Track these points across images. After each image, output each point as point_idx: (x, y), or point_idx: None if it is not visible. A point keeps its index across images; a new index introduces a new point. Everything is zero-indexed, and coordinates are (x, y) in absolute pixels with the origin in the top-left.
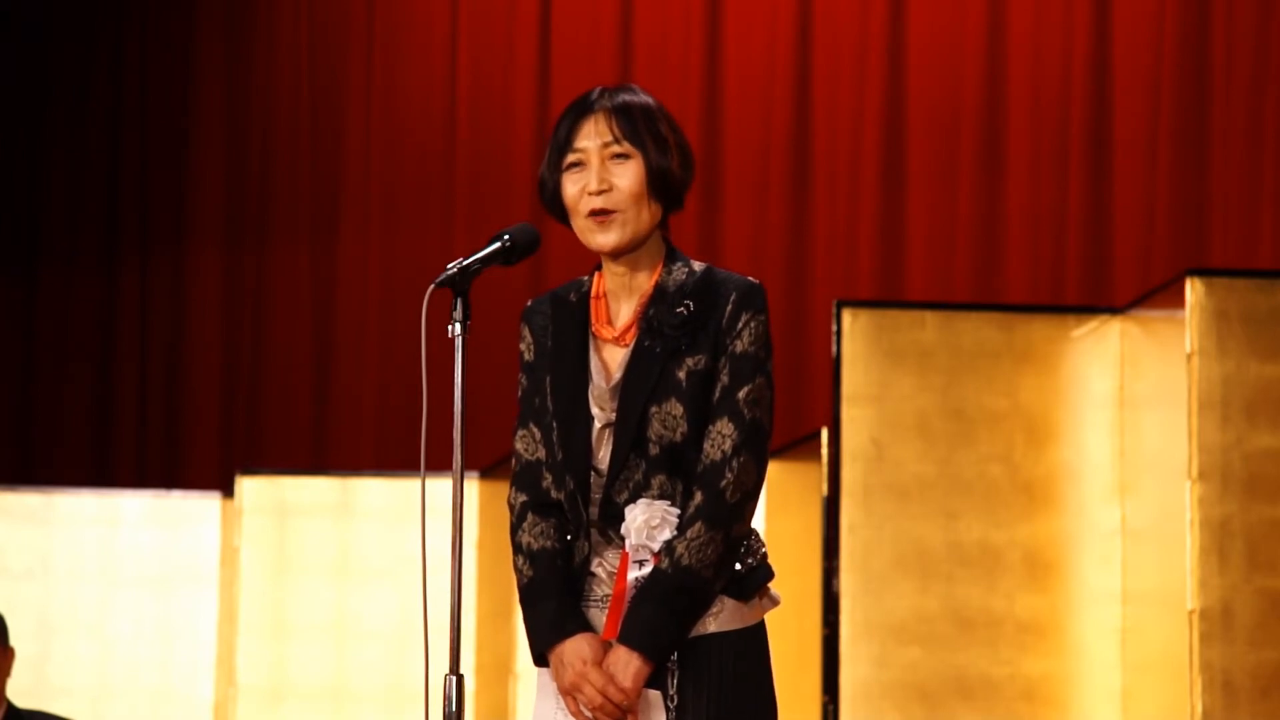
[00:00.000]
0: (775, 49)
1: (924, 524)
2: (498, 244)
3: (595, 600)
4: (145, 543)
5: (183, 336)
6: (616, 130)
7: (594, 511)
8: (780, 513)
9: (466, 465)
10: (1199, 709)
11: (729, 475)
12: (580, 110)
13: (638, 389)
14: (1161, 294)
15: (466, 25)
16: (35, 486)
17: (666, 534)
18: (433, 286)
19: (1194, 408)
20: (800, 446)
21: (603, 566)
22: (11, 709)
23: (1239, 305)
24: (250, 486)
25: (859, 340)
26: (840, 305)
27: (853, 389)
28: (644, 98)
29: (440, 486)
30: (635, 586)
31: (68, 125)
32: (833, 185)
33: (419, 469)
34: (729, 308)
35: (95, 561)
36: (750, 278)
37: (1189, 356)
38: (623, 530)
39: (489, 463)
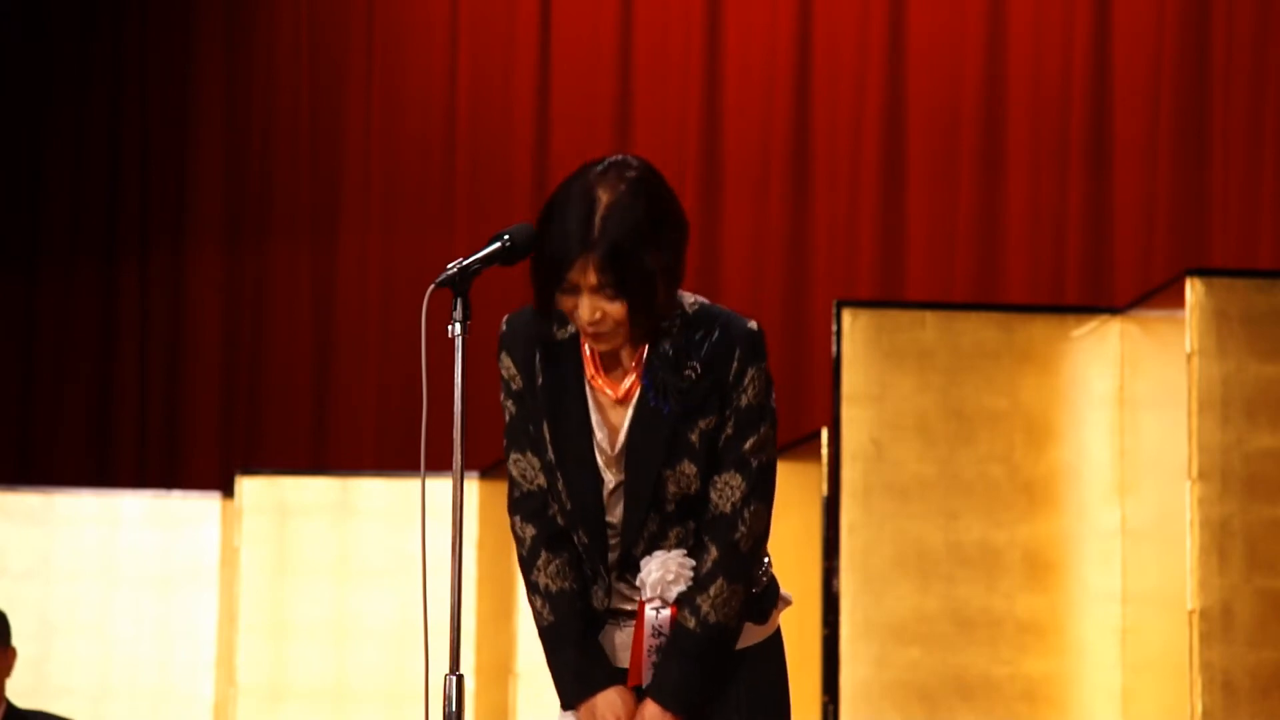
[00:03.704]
0: (775, 49)
1: (924, 524)
2: (497, 244)
3: (619, 624)
4: (145, 543)
5: (183, 336)
6: (606, 278)
7: (611, 559)
8: (780, 513)
9: (466, 465)
10: (1199, 709)
11: (741, 528)
12: (571, 241)
13: (650, 455)
14: (1161, 294)
15: (466, 25)
16: (35, 486)
17: (682, 587)
18: (433, 286)
19: (1194, 408)
20: (800, 446)
21: (622, 604)
22: (11, 709)
23: (1239, 305)
24: (250, 486)
25: (859, 340)
26: (840, 305)
27: (853, 389)
28: (635, 216)
29: (440, 486)
30: (655, 634)
31: (68, 125)
32: (833, 185)
33: (419, 469)
34: (735, 364)
35: (95, 561)
36: (749, 321)
37: (1189, 356)
38: (638, 582)
39: (489, 463)
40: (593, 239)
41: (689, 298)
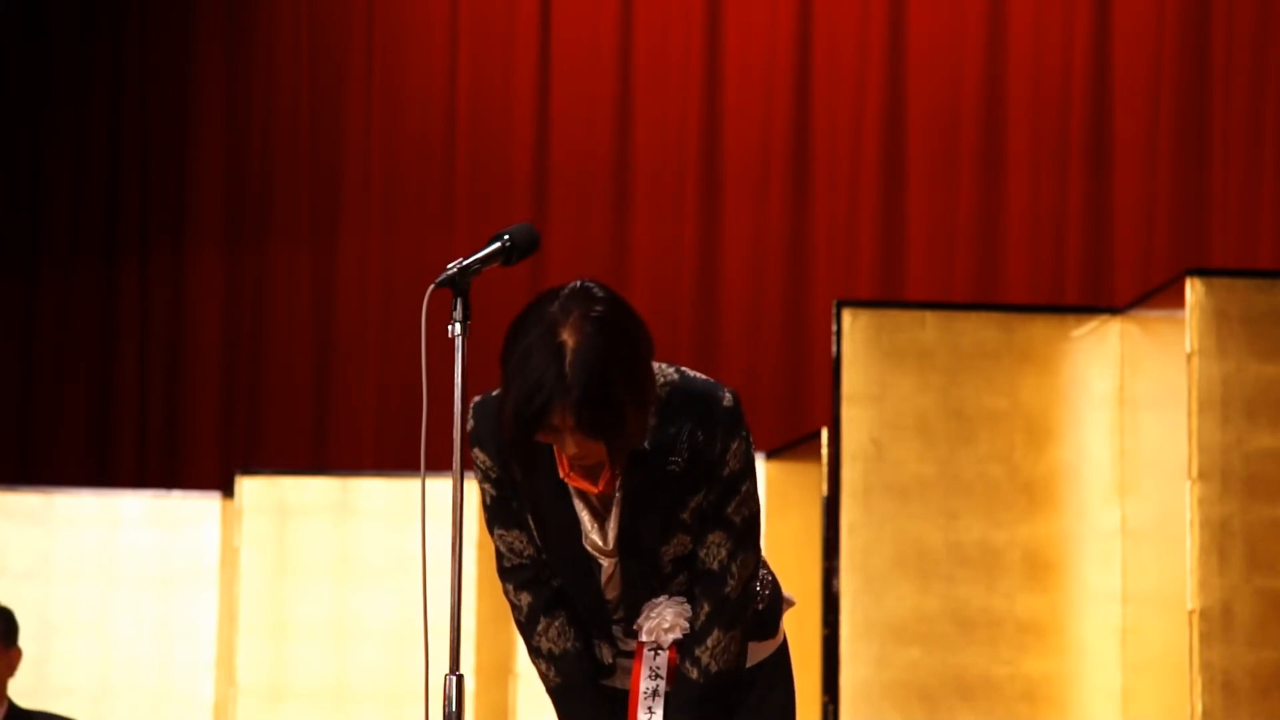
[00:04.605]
0: (775, 49)
1: (924, 524)
2: (497, 244)
3: (627, 665)
4: (145, 543)
5: (183, 336)
6: (583, 422)
7: (614, 627)
8: (780, 513)
9: (466, 465)
10: (1199, 709)
11: (731, 581)
12: (545, 391)
13: (646, 545)
14: (1161, 294)
15: (466, 25)
16: (35, 486)
17: (677, 635)
18: (433, 286)
19: (1194, 408)
20: (800, 446)
21: (629, 647)
22: (13, 708)
23: (1239, 305)
24: (250, 486)
25: (859, 340)
26: (840, 305)
27: (853, 389)
28: (604, 359)
29: (440, 486)
30: (652, 676)
31: (68, 125)
32: (833, 185)
33: (419, 469)
34: (718, 445)
35: (95, 561)
36: (723, 394)
37: (1189, 356)
38: (634, 626)
39: None
40: (565, 386)
41: (657, 375)
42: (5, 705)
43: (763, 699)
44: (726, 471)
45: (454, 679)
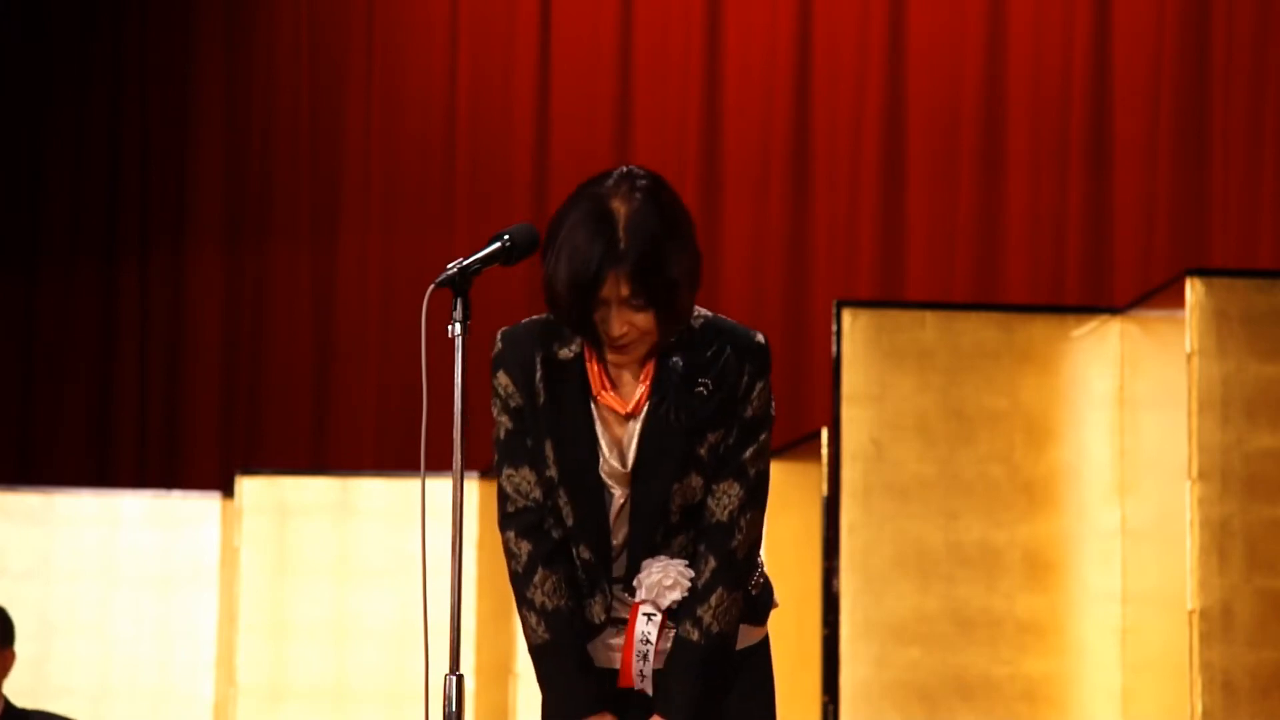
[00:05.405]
0: (775, 49)
1: (924, 524)
2: (497, 244)
3: (618, 630)
4: (145, 543)
5: (183, 336)
6: (637, 290)
7: (615, 573)
8: (780, 513)
9: (466, 465)
10: (1199, 709)
11: (738, 535)
12: (598, 258)
13: (661, 471)
14: (1161, 294)
15: (466, 25)
16: (35, 486)
17: (677, 595)
18: (433, 286)
19: (1194, 408)
20: (800, 446)
21: (622, 612)
22: (10, 708)
23: (1239, 305)
24: (250, 486)
25: (859, 340)
26: (840, 305)
27: (853, 389)
28: (655, 225)
29: (440, 486)
30: (643, 640)
31: (68, 125)
32: (833, 185)
33: (419, 469)
34: (744, 378)
35: (95, 561)
36: (756, 334)
37: (1189, 356)
38: (634, 582)
39: (489, 463)
40: (620, 252)
41: (694, 310)
42: (2, 705)
43: (755, 686)
44: (749, 413)
45: (454, 679)
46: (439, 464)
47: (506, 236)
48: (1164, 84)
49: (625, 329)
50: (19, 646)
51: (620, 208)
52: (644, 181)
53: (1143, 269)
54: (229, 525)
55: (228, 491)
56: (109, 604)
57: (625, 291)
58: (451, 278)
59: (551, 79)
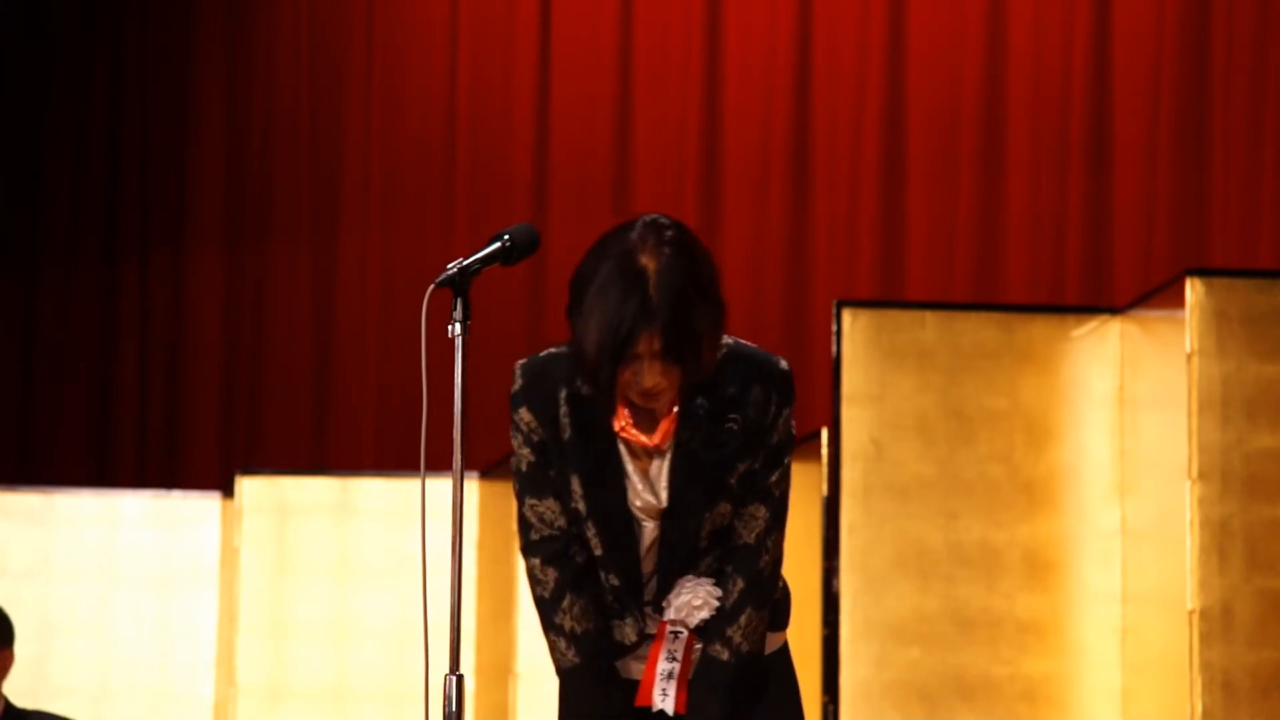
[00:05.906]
0: (775, 49)
1: (924, 524)
2: (497, 244)
3: (643, 658)
4: (145, 543)
5: (183, 336)
6: (668, 344)
7: (646, 598)
8: None
9: (466, 465)
10: (1199, 709)
11: (765, 557)
12: (631, 315)
13: (693, 507)
14: (1161, 294)
15: (466, 25)
16: (35, 486)
17: (705, 614)
18: (433, 286)
19: (1194, 408)
20: (800, 446)
21: (653, 629)
22: (10, 708)
23: (1239, 305)
24: (250, 486)
25: (859, 340)
26: (840, 305)
27: (853, 389)
28: (684, 281)
29: (440, 486)
30: (669, 658)
31: (68, 125)
32: (833, 185)
33: (419, 469)
34: (771, 409)
35: (95, 561)
36: (780, 362)
37: (1189, 356)
38: (664, 602)
39: (489, 463)
40: (652, 310)
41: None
42: (2, 705)
43: (784, 691)
44: (775, 439)
45: (454, 679)
46: (439, 464)
47: (506, 236)
48: (1164, 84)
49: (656, 380)
50: (19, 647)
51: (649, 264)
52: (670, 233)
53: (1143, 269)
54: (229, 525)
55: (228, 491)
56: (109, 604)
57: (657, 346)
58: (451, 278)
59: (551, 79)
